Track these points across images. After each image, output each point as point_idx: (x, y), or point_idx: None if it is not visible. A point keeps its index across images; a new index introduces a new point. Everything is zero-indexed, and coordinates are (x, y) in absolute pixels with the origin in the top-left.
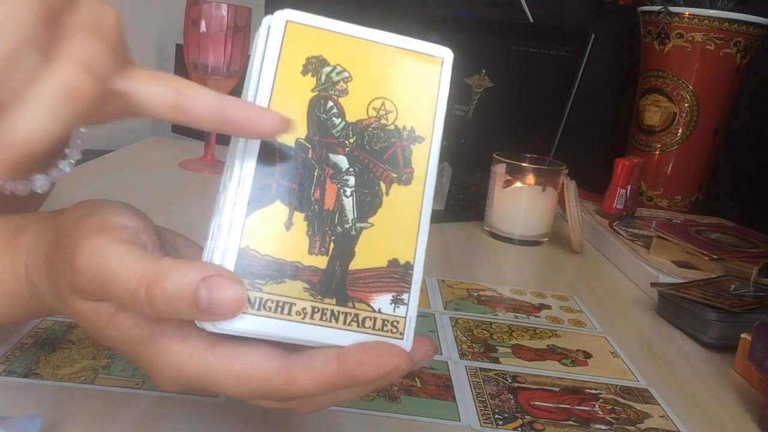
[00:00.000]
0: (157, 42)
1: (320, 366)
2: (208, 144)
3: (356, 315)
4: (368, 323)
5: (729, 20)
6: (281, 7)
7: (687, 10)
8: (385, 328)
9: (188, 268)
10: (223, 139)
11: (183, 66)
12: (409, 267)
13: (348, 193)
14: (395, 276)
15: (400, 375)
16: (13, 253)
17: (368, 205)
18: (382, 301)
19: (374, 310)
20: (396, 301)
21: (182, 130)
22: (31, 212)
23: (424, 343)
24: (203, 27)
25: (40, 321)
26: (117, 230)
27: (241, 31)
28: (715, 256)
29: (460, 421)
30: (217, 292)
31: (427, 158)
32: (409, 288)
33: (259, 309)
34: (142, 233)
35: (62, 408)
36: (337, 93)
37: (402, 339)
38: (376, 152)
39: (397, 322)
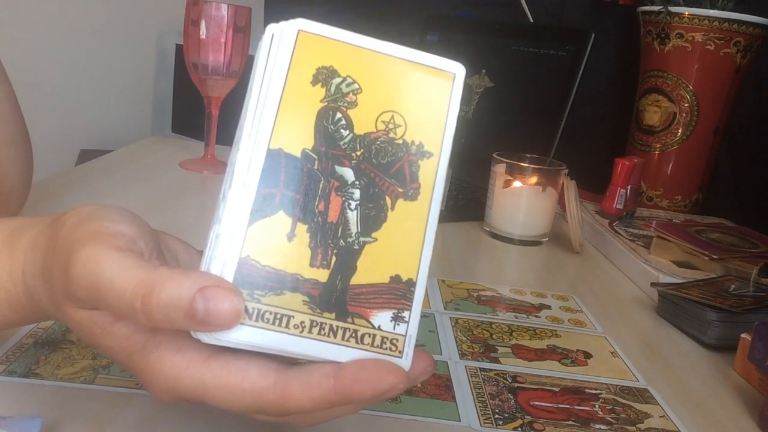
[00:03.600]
0: (157, 42)
1: (316, 382)
2: (208, 144)
3: (355, 331)
4: (367, 340)
5: (729, 20)
6: (281, 8)
7: (687, 10)
8: (384, 346)
9: (185, 278)
10: (223, 139)
11: (183, 66)
12: (411, 284)
13: (353, 206)
14: (397, 293)
15: (397, 393)
16: (10, 258)
17: (373, 219)
18: (382, 318)
19: (374, 327)
20: (396, 319)
21: (182, 130)
22: (28, 217)
23: (423, 358)
24: (203, 27)
25: None
26: (113, 237)
27: (241, 31)
28: (715, 256)
29: (460, 421)
30: (213, 303)
31: (434, 174)
32: (411, 305)
33: (256, 320)
34: (139, 240)
35: (62, 408)
36: (346, 104)
37: (401, 357)
38: (383, 166)
39: (397, 340)
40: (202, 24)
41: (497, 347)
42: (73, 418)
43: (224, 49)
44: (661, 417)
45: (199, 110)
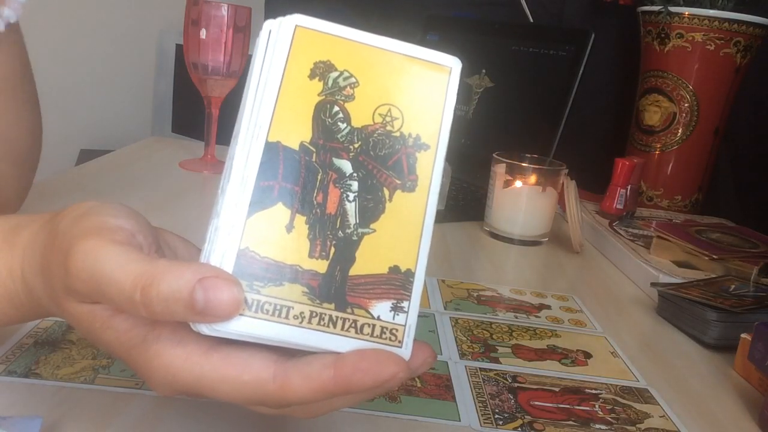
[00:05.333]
0: (157, 42)
1: (316, 373)
2: (208, 144)
3: (355, 321)
4: (366, 330)
5: (729, 20)
6: (281, 7)
7: (687, 10)
8: (383, 336)
9: (184, 269)
10: (223, 139)
11: (183, 66)
12: (410, 274)
13: (351, 197)
14: (396, 283)
15: (398, 383)
16: (9, 254)
17: (371, 210)
18: (381, 308)
19: (373, 317)
20: (396, 309)
21: (182, 130)
22: (27, 214)
23: (424, 349)
24: (203, 27)
25: (40, 321)
26: (112, 231)
27: (241, 31)
28: (715, 256)
29: (460, 421)
30: (213, 293)
31: (431, 166)
32: (410, 296)
33: (256, 311)
34: (137, 234)
35: (62, 408)
36: (343, 98)
37: (400, 347)
38: (380, 158)
39: (396, 330)
40: (202, 24)
41: (497, 347)
42: (73, 418)
43: (224, 49)
44: (661, 417)
45: (199, 110)
